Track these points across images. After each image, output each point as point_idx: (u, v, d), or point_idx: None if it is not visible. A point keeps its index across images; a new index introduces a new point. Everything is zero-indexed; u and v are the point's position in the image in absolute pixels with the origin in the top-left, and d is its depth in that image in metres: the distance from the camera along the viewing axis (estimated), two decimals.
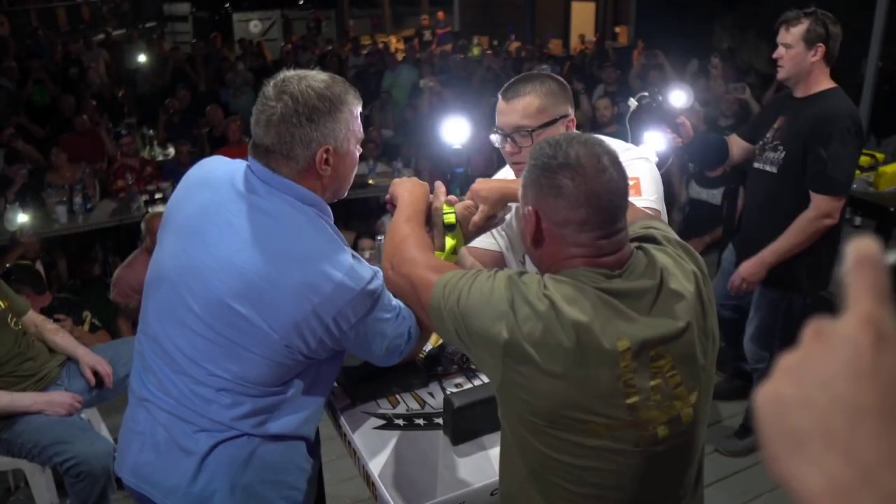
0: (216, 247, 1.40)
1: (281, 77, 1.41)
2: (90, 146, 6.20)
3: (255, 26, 14.52)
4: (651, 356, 1.11)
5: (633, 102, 2.44)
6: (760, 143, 2.79)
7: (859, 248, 0.39)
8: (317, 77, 1.42)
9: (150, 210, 4.72)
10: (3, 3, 12.34)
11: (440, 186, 1.63)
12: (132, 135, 6.30)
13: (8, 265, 3.82)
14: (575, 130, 1.70)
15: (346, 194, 1.55)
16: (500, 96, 1.71)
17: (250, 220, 1.39)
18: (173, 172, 5.61)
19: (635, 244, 1.21)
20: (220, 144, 5.96)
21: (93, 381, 2.65)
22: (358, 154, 1.50)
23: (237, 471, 1.45)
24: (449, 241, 1.60)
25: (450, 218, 1.59)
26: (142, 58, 9.11)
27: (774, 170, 2.68)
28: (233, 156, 1.60)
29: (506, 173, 1.85)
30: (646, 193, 1.66)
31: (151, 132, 6.89)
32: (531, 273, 1.18)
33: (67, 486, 2.44)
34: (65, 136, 6.12)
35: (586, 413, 1.10)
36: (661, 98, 2.50)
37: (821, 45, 2.52)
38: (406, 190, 1.52)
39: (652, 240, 1.25)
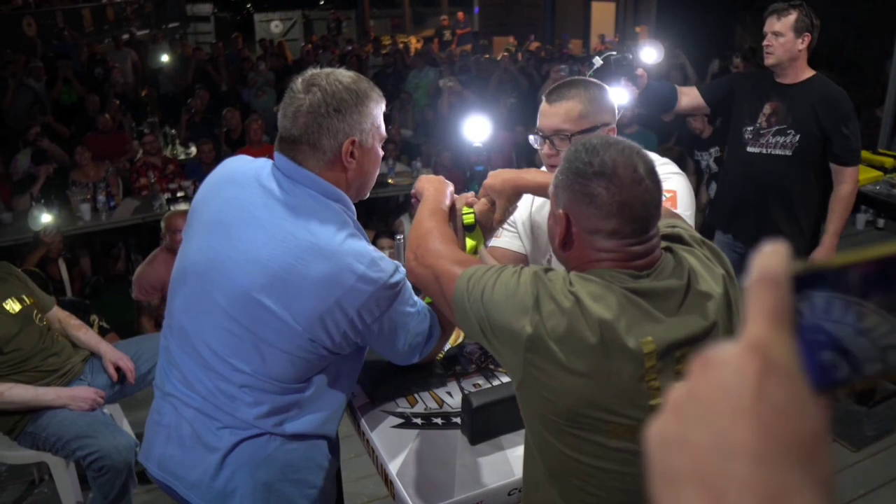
0: (241, 241, 1.42)
1: (309, 73, 1.45)
2: (113, 145, 6.29)
3: (276, 27, 14.62)
4: (676, 357, 1.10)
5: (597, 60, 2.45)
6: (750, 127, 2.93)
7: (763, 263, 0.36)
8: (344, 73, 1.46)
9: (171, 208, 4.77)
10: (30, 4, 12.52)
11: (469, 194, 1.65)
12: (155, 133, 6.37)
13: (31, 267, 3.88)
14: None
15: (368, 195, 1.58)
16: (543, 98, 1.72)
17: (275, 214, 1.42)
18: (195, 171, 5.66)
19: (663, 244, 1.19)
20: (239, 146, 6.02)
21: (115, 376, 2.69)
22: (381, 153, 1.53)
23: (258, 469, 1.46)
24: (469, 242, 1.61)
25: (469, 218, 1.60)
26: (164, 58, 9.20)
27: (789, 153, 2.86)
28: (254, 155, 1.63)
29: None
30: (681, 208, 1.66)
31: (173, 131, 6.97)
32: (557, 270, 1.18)
33: (90, 479, 2.47)
34: (89, 136, 6.20)
35: (608, 413, 1.08)
36: (630, 56, 2.50)
37: (807, 34, 2.76)
38: (431, 185, 1.53)
39: (679, 239, 1.24)
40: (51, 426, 2.46)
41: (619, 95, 2.47)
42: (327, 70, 1.47)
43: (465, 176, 5.70)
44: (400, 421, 1.73)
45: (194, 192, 5.12)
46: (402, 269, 1.46)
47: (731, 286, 1.20)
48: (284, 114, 1.44)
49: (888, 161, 3.76)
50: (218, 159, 5.71)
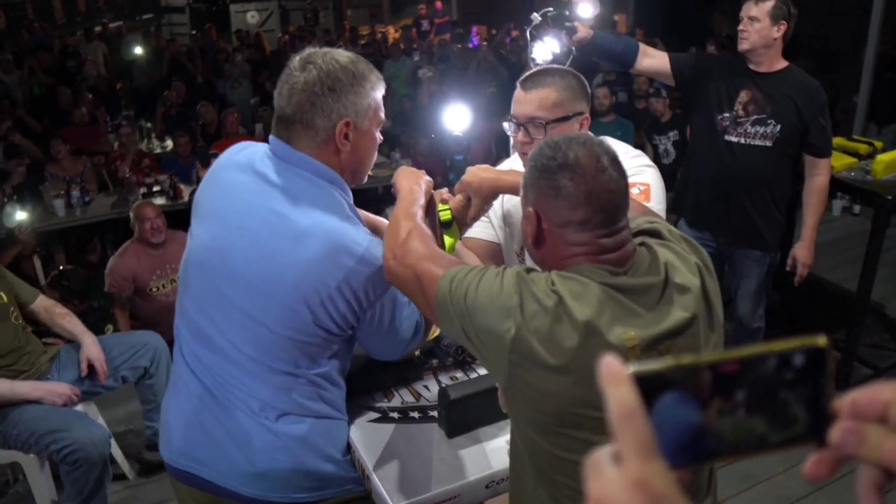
0: (238, 229, 1.43)
1: (307, 52, 1.44)
2: (88, 138, 6.20)
3: (252, 17, 14.45)
4: (660, 351, 1.10)
5: (536, 17, 2.49)
6: (728, 114, 2.87)
7: (615, 397, 0.41)
8: (342, 53, 1.45)
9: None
10: None
11: (443, 190, 1.64)
12: (132, 126, 6.28)
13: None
14: (588, 131, 1.69)
15: (365, 180, 1.57)
16: (518, 85, 1.71)
17: (269, 199, 1.42)
18: (171, 165, 5.60)
19: (639, 240, 1.20)
20: (215, 139, 5.95)
21: (85, 371, 2.65)
22: (379, 139, 1.52)
23: (285, 448, 1.49)
24: (448, 240, 1.59)
25: (446, 215, 1.58)
26: (138, 50, 9.06)
27: (769, 143, 2.82)
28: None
29: (510, 163, 1.85)
30: (654, 202, 1.66)
31: (149, 125, 6.87)
32: (538, 270, 1.17)
33: (63, 474, 2.43)
34: (63, 129, 6.10)
35: (595, 409, 1.07)
36: (567, 12, 2.54)
37: (784, 22, 2.72)
38: (406, 182, 1.50)
39: (656, 234, 1.24)
40: (21, 422, 2.42)
41: (552, 45, 2.51)
42: (325, 49, 1.46)
43: (446, 165, 5.68)
44: (377, 415, 1.72)
45: (170, 186, 5.11)
46: None
47: (707, 276, 1.20)
48: (280, 92, 1.43)
49: (863, 147, 3.78)
50: (194, 153, 5.65)
